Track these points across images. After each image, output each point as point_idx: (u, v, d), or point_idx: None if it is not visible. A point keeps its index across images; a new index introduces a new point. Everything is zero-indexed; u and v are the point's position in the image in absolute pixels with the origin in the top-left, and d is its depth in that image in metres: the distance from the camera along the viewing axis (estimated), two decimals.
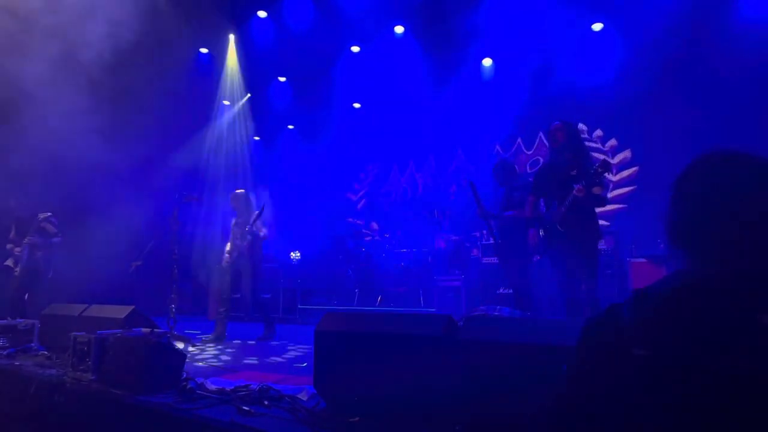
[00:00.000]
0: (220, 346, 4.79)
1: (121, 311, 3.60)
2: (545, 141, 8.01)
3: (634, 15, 6.75)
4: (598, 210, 3.83)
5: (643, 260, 5.02)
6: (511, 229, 4.69)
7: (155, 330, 3.23)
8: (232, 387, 2.56)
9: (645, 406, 0.80)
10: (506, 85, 8.21)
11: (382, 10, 8.20)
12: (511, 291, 5.34)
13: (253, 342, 4.99)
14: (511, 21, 7.69)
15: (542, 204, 4.06)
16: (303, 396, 2.41)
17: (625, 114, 7.07)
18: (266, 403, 2.28)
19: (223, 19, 8.81)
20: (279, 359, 4.06)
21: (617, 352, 0.85)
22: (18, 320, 4.17)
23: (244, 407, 2.18)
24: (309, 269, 8.96)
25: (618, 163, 7.27)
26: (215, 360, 3.89)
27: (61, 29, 6.62)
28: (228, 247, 5.50)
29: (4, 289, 5.29)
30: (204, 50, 9.44)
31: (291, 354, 4.35)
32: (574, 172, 3.67)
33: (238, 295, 8.37)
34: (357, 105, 10.23)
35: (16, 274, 5.28)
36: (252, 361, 3.96)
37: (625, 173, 7.18)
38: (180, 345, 4.41)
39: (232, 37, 9.58)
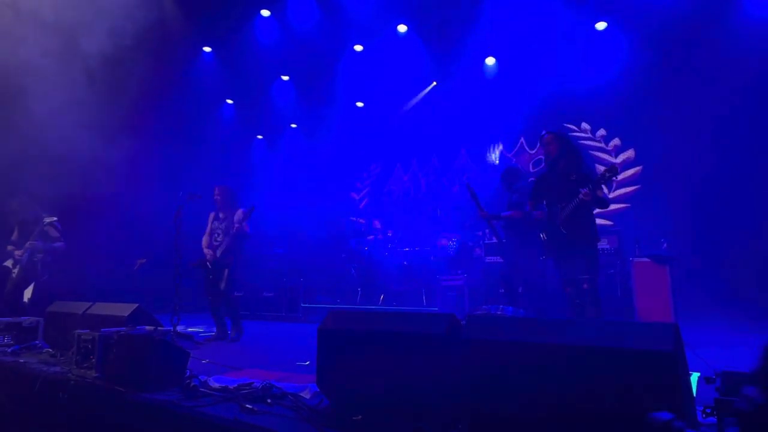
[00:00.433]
0: (222, 344, 4.80)
1: (124, 309, 3.61)
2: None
3: (638, 14, 6.73)
4: (602, 209, 3.93)
5: (646, 260, 5.00)
6: (513, 229, 4.81)
7: (159, 328, 3.25)
8: (236, 385, 2.57)
9: None
10: (509, 84, 8.20)
11: (385, 9, 8.19)
12: (518, 290, 5.42)
13: (204, 342, 4.76)
14: (514, 20, 7.67)
15: (543, 208, 4.08)
16: (306, 394, 2.41)
17: (629, 113, 7.05)
18: (269, 401, 2.29)
19: (226, 17, 8.81)
20: (282, 357, 4.07)
21: None
22: (23, 317, 4.19)
23: (248, 405, 2.19)
24: (312, 268, 8.97)
25: (621, 162, 7.25)
26: (218, 358, 3.90)
27: (65, 28, 6.65)
28: (205, 241, 5.33)
29: (1, 289, 5.30)
30: (207, 49, 9.45)
31: (294, 352, 4.36)
32: (573, 177, 3.78)
33: (241, 294, 8.43)
34: (360, 104, 10.23)
35: (13, 275, 5.29)
36: (255, 358, 3.98)
37: (629, 172, 7.16)
38: (184, 342, 4.43)
39: (235, 36, 9.58)
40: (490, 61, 8.55)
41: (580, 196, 3.59)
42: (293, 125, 11.20)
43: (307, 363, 3.66)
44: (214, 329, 5.13)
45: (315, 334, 2.41)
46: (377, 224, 9.57)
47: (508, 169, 5.26)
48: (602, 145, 7.48)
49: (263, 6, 8.85)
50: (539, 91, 7.67)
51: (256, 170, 10.77)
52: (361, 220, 9.22)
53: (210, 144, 10.04)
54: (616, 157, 7.34)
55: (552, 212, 3.89)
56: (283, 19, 8.81)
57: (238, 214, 5.20)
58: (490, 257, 6.57)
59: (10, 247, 5.38)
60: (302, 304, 7.89)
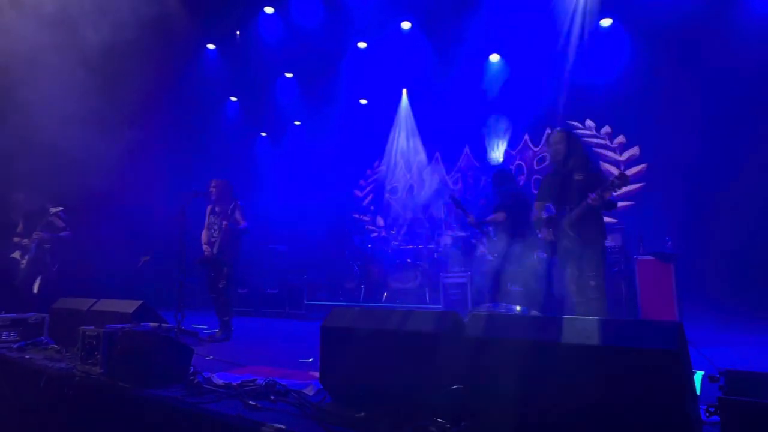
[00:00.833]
0: (226, 341, 4.82)
1: (129, 306, 3.63)
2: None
3: (643, 11, 6.68)
4: (608, 211, 3.91)
5: (650, 258, 4.98)
6: (502, 231, 4.92)
7: (163, 324, 3.26)
8: (239, 381, 2.58)
9: None
10: (514, 81, 8.16)
11: (388, 6, 8.18)
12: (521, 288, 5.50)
13: (206, 341, 4.75)
14: (518, 17, 7.64)
15: (551, 208, 4.06)
16: (309, 391, 2.42)
17: (634, 110, 7.01)
18: (273, 397, 2.29)
19: (230, 15, 8.82)
20: (285, 354, 4.08)
21: None
22: (28, 314, 4.22)
23: (251, 402, 2.20)
24: (315, 265, 8.99)
25: (626, 159, 7.22)
26: (222, 354, 3.92)
27: (68, 23, 6.66)
28: (204, 236, 5.27)
29: (11, 280, 5.35)
30: (211, 46, 9.46)
31: (297, 349, 4.37)
32: (581, 177, 3.75)
33: (245, 291, 8.47)
34: (364, 101, 10.22)
35: (22, 266, 5.34)
36: (258, 355, 3.99)
37: (633, 170, 7.13)
38: (187, 339, 4.45)
39: (239, 33, 9.59)
40: (494, 58, 8.52)
41: (589, 201, 3.56)
42: (297, 122, 11.20)
43: (311, 360, 3.67)
44: (218, 326, 5.14)
45: (318, 331, 2.42)
46: (380, 221, 9.58)
47: (497, 171, 5.31)
48: (607, 142, 7.45)
49: (267, 3, 8.84)
50: (543, 88, 7.63)
51: (259, 167, 10.79)
52: (364, 218, 9.23)
53: (214, 141, 10.07)
54: (620, 154, 7.30)
55: (559, 213, 3.87)
56: (286, 17, 8.81)
57: (235, 209, 5.12)
58: (530, 253, 6.53)
59: (16, 239, 5.42)
60: (305, 301, 7.91)
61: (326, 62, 9.28)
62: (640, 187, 7.05)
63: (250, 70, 9.78)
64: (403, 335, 2.08)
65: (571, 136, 3.95)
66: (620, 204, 7.08)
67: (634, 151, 7.19)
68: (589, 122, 7.58)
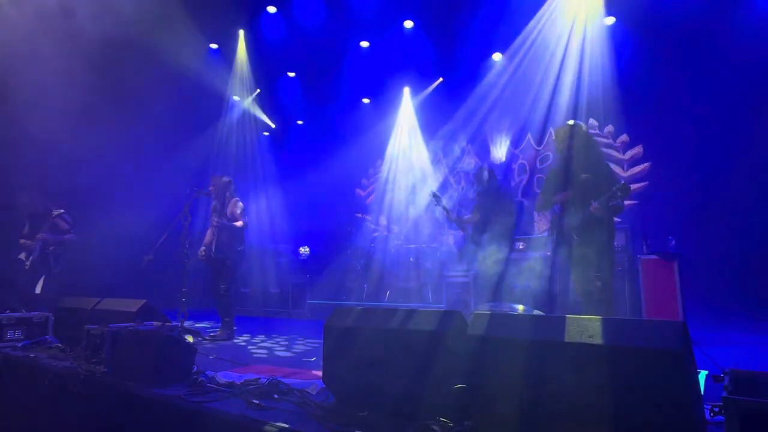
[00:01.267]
0: (229, 341, 4.83)
1: (132, 305, 3.63)
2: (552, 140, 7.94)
3: (646, 9, 6.65)
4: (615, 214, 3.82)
5: (653, 257, 4.96)
6: (479, 230, 5.00)
7: (166, 323, 3.27)
8: (242, 380, 2.58)
9: None
10: (516, 80, 8.15)
11: (391, 5, 8.18)
12: (526, 287, 5.62)
13: (208, 341, 4.75)
14: (521, 15, 7.63)
15: (557, 207, 3.99)
16: (312, 390, 2.42)
17: (637, 109, 6.98)
18: (276, 396, 2.30)
19: (232, 14, 8.83)
20: (288, 353, 4.09)
21: None
22: (33, 313, 4.24)
23: (254, 401, 2.20)
24: (318, 264, 9.00)
25: (629, 159, 7.20)
26: (225, 354, 3.92)
27: (71, 27, 6.68)
28: (208, 236, 5.22)
29: (16, 280, 5.39)
30: (214, 46, 9.47)
31: (300, 348, 4.38)
32: (586, 176, 3.65)
33: (248, 290, 8.49)
34: (366, 100, 10.22)
35: (26, 267, 5.37)
36: (261, 355, 4.00)
37: (637, 169, 7.10)
38: (190, 338, 4.47)
39: (241, 33, 9.60)
40: (496, 56, 8.50)
41: (591, 209, 3.50)
42: (299, 122, 11.21)
43: (313, 359, 3.67)
44: (220, 326, 5.15)
45: (321, 330, 2.42)
46: (383, 220, 9.57)
47: (478, 169, 5.35)
48: (610, 141, 7.43)
49: (270, 2, 8.85)
50: (546, 87, 7.62)
51: (262, 166, 10.80)
52: (367, 217, 9.23)
53: (217, 140, 10.08)
54: (624, 153, 7.28)
55: (566, 213, 3.75)
56: (289, 16, 8.81)
57: (231, 205, 5.06)
58: (501, 252, 6.54)
59: (22, 241, 5.45)
60: (308, 301, 7.92)
61: (329, 61, 9.29)
62: (643, 186, 7.03)
63: (253, 70, 9.80)
64: (405, 334, 2.08)
65: (580, 132, 3.80)
66: (624, 203, 7.06)
67: (638, 150, 7.16)
68: (592, 121, 7.55)
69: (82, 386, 2.80)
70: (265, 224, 9.84)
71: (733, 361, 3.32)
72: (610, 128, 7.47)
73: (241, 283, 8.48)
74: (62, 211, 5.52)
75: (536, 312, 3.69)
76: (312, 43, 8.86)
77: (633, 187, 7.06)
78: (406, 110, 9.91)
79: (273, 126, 11.01)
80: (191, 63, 8.49)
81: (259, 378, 2.60)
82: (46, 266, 5.39)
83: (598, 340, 1.58)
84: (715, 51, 6.28)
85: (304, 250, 9.24)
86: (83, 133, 7.06)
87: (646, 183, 7.01)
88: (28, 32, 6.41)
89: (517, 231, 7.64)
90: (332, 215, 9.92)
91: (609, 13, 7.22)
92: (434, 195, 5.07)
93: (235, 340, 4.87)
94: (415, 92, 9.79)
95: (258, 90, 10.29)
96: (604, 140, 7.46)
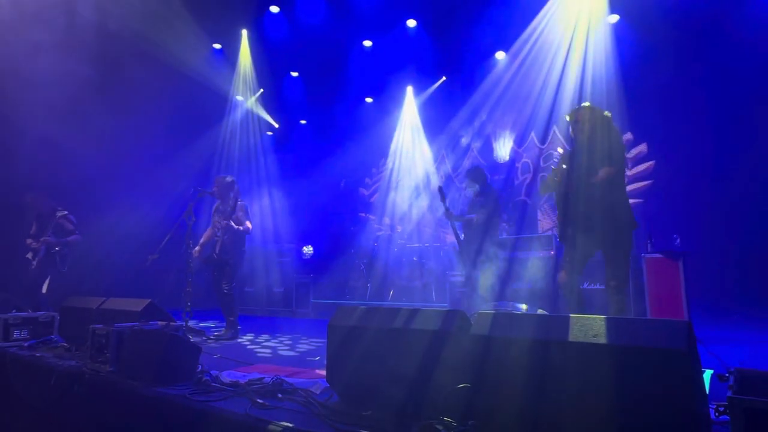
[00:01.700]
0: (233, 340, 4.84)
1: (137, 304, 3.65)
2: (557, 134, 7.92)
3: (650, 6, 6.62)
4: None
5: (658, 255, 4.93)
6: (472, 230, 5.06)
7: (171, 323, 3.28)
8: (247, 380, 2.59)
9: None
10: (519, 79, 8.13)
11: (394, 4, 8.17)
12: (529, 286, 5.76)
13: (212, 340, 4.74)
14: (524, 14, 7.60)
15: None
16: (316, 389, 2.43)
17: (641, 108, 6.95)
18: (280, 396, 2.30)
19: (235, 14, 8.84)
20: (292, 353, 4.10)
21: None
22: (38, 312, 4.27)
23: (259, 400, 2.21)
24: (321, 264, 9.02)
25: (634, 157, 7.17)
26: (229, 353, 3.94)
27: (74, 27, 6.70)
28: (206, 235, 5.22)
29: (22, 280, 5.43)
30: (217, 46, 9.49)
31: (304, 347, 4.39)
32: (591, 171, 3.37)
33: (252, 289, 8.50)
34: (369, 99, 10.22)
35: (33, 267, 5.40)
36: (265, 354, 4.01)
37: (641, 167, 7.08)
38: (194, 338, 4.48)
39: (244, 33, 9.62)
40: (500, 55, 8.48)
41: (602, 172, 3.24)
42: (303, 121, 11.23)
43: (317, 359, 3.68)
44: (224, 325, 5.17)
45: (325, 329, 2.43)
46: (386, 220, 9.58)
47: (475, 168, 5.36)
48: None
49: (273, 2, 8.86)
50: (550, 85, 7.60)
51: (265, 166, 10.82)
52: (371, 216, 9.24)
53: (220, 140, 10.11)
54: (628, 152, 7.25)
55: (579, 196, 3.44)
56: (292, 16, 8.82)
57: (237, 208, 5.06)
58: (500, 253, 6.54)
59: (29, 241, 5.49)
60: (312, 300, 7.94)
61: (332, 61, 9.29)
62: (647, 185, 7.00)
63: (256, 70, 9.81)
64: (409, 334, 2.08)
65: (601, 116, 3.51)
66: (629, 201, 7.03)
67: (642, 148, 7.13)
68: None
69: (88, 385, 2.82)
70: (269, 224, 9.86)
71: (739, 360, 3.31)
72: None
73: (245, 283, 8.51)
74: (66, 212, 5.55)
75: (540, 311, 3.66)
76: (315, 43, 8.86)
77: (637, 185, 7.05)
78: (410, 109, 9.91)
79: (276, 126, 11.03)
80: (194, 63, 8.51)
81: (263, 377, 2.61)
82: (52, 266, 5.43)
83: (602, 339, 1.57)
84: (719, 48, 6.25)
85: (308, 249, 9.26)
86: (86, 132, 7.10)
87: (651, 181, 6.99)
88: (28, 31, 6.43)
89: (520, 230, 7.65)
90: (336, 215, 9.93)
91: (613, 10, 7.20)
92: (440, 189, 5.08)
93: (239, 340, 4.88)
94: (418, 91, 9.78)
95: (261, 90, 10.31)
96: None
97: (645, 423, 1.44)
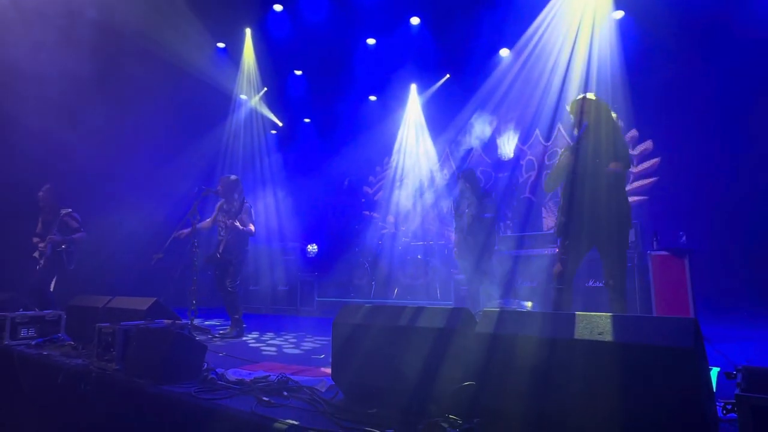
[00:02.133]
0: (238, 338, 4.86)
1: (143, 303, 3.67)
2: (562, 131, 7.89)
3: (655, 3, 6.57)
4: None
5: (664, 253, 4.91)
6: (484, 230, 5.18)
7: (176, 321, 3.30)
8: (252, 378, 2.60)
9: None
10: (524, 76, 8.10)
11: (397, 2, 8.15)
12: (534, 284, 5.87)
13: (218, 338, 4.76)
14: (528, 10, 7.57)
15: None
16: (321, 387, 2.43)
17: (647, 104, 6.91)
18: (285, 393, 2.31)
19: (239, 13, 8.85)
20: (297, 351, 4.11)
21: None
22: (45, 311, 4.30)
23: (264, 398, 2.22)
24: (326, 262, 9.03)
25: (639, 154, 7.13)
26: (234, 351, 3.95)
27: (80, 26, 6.73)
28: (204, 224, 5.22)
29: (30, 278, 5.47)
30: (221, 45, 9.51)
31: (309, 346, 4.40)
32: (597, 160, 3.32)
33: (257, 288, 8.53)
34: (373, 98, 10.21)
35: (40, 266, 5.44)
36: (271, 352, 4.02)
37: (647, 164, 7.04)
38: (200, 336, 4.50)
39: (248, 31, 9.63)
40: (504, 52, 8.45)
41: (611, 167, 3.19)
42: (307, 120, 11.23)
43: (322, 356, 3.69)
44: (230, 323, 5.19)
45: (330, 327, 2.43)
46: (390, 218, 9.58)
47: (470, 172, 5.48)
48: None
49: (276, 1, 8.86)
50: (554, 82, 7.56)
51: (269, 165, 10.84)
52: (375, 214, 9.24)
53: (224, 139, 10.13)
54: (633, 149, 7.21)
55: (579, 189, 3.36)
56: (295, 14, 8.82)
57: (243, 210, 5.09)
58: (505, 251, 6.53)
59: (35, 239, 5.52)
60: (317, 298, 7.95)
61: (335, 59, 9.29)
62: (653, 182, 6.96)
63: (260, 68, 9.83)
64: (414, 331, 2.08)
65: (605, 108, 3.45)
66: (633, 198, 7.00)
67: (647, 145, 7.09)
68: None
69: (95, 383, 2.83)
70: (274, 222, 9.89)
71: (746, 357, 3.29)
72: (619, 123, 7.40)
73: (249, 281, 8.54)
74: (70, 210, 5.58)
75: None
76: (318, 41, 8.86)
77: (643, 182, 7.01)
78: (413, 107, 9.90)
79: (280, 124, 11.04)
80: (198, 62, 8.53)
81: (269, 375, 2.61)
82: (59, 264, 5.46)
83: (608, 337, 1.57)
84: (725, 44, 6.20)
85: (312, 247, 9.27)
86: (90, 132, 7.13)
87: (656, 178, 6.95)
88: (30, 30, 6.46)
89: (525, 227, 7.63)
90: (340, 213, 9.93)
91: (618, 6, 7.15)
92: (459, 177, 5.30)
93: (245, 338, 4.90)
94: (421, 89, 9.76)
95: (265, 88, 10.32)
96: None
97: (652, 421, 1.44)
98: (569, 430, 1.58)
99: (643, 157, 7.10)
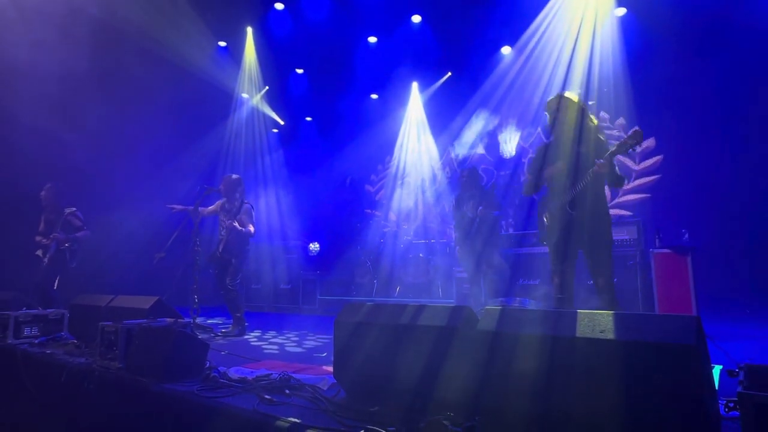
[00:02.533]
0: (240, 337, 4.87)
1: (145, 302, 3.68)
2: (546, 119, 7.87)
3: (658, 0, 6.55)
4: (622, 200, 3.64)
5: (666, 251, 4.90)
6: (487, 228, 5.26)
7: (179, 320, 3.30)
8: (254, 376, 2.61)
9: None
10: (526, 73, 8.08)
11: (398, 0, 8.13)
12: (536, 282, 5.90)
13: (220, 337, 4.78)
14: (530, 8, 7.55)
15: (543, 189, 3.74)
16: (323, 385, 2.44)
17: (649, 102, 6.89)
18: (287, 392, 2.32)
19: (240, 11, 8.85)
20: (299, 349, 4.12)
21: None
22: (48, 310, 4.31)
23: (266, 396, 2.22)
24: (328, 260, 9.04)
25: (641, 151, 7.11)
26: (237, 350, 3.96)
27: (80, 24, 6.73)
28: (204, 211, 5.20)
29: (33, 277, 5.49)
30: (222, 43, 9.51)
31: (311, 344, 4.41)
32: (584, 149, 3.32)
33: (259, 286, 8.55)
34: (374, 96, 10.20)
35: (44, 264, 5.46)
36: (273, 350, 4.03)
37: (649, 162, 7.02)
38: (202, 335, 4.51)
39: (249, 30, 9.63)
40: (505, 50, 8.43)
41: (595, 167, 3.12)
42: (308, 118, 11.23)
43: (324, 355, 3.69)
44: (232, 322, 5.20)
45: (332, 325, 2.43)
46: (392, 216, 9.58)
47: (473, 169, 5.58)
48: (621, 134, 7.34)
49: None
50: (556, 79, 7.54)
51: (271, 163, 10.85)
52: (377, 213, 9.24)
53: (226, 138, 10.14)
54: (640, 145, 7.20)
55: (559, 191, 3.40)
56: (296, 13, 8.81)
57: (242, 211, 5.10)
58: (506, 249, 6.53)
59: (38, 238, 5.54)
60: (319, 296, 7.97)
61: (337, 57, 9.28)
62: (655, 179, 6.95)
63: (262, 67, 9.83)
64: (416, 330, 2.09)
65: (571, 103, 3.46)
66: (636, 196, 6.99)
67: (650, 142, 7.07)
68: (603, 114, 7.48)
69: (98, 382, 2.84)
70: (275, 221, 9.90)
71: (749, 355, 3.28)
72: (621, 120, 7.38)
73: (252, 280, 8.55)
74: (74, 209, 5.59)
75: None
76: (320, 40, 8.85)
77: (645, 180, 6.99)
78: (415, 105, 9.89)
79: (282, 123, 11.04)
80: (200, 61, 8.54)
81: (271, 373, 2.62)
82: (62, 263, 5.48)
83: (610, 335, 1.56)
84: (728, 41, 6.17)
85: (314, 246, 9.28)
86: (91, 131, 7.14)
87: (659, 176, 6.93)
88: (30, 30, 6.46)
89: (527, 226, 7.62)
90: (342, 211, 9.94)
91: (620, 3, 7.13)
92: (462, 175, 5.46)
93: (247, 336, 4.91)
94: (423, 87, 9.75)
95: (266, 87, 10.32)
96: (615, 133, 7.37)
97: (654, 419, 1.44)
98: (571, 427, 1.58)
99: (646, 154, 7.08)
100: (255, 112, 10.64)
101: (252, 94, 10.33)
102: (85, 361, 3.12)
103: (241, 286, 5.28)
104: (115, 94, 7.47)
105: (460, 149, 9.26)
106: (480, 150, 9.04)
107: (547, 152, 3.57)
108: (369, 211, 10.19)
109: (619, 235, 5.47)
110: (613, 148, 3.17)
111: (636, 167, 7.07)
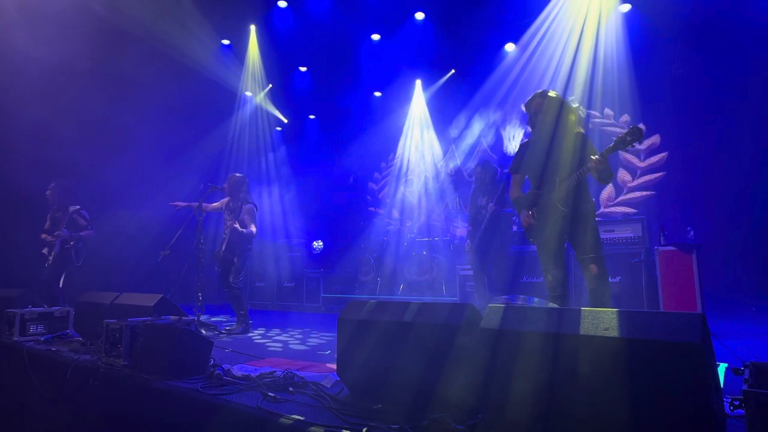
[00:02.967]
0: (244, 334, 4.88)
1: (150, 299, 3.70)
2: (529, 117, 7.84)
3: None
4: (626, 197, 3.60)
5: (671, 248, 4.88)
6: (502, 223, 5.31)
7: (183, 318, 3.32)
8: (258, 374, 2.61)
9: None
10: (530, 70, 8.04)
11: None
12: (540, 279, 5.78)
13: (224, 334, 4.81)
14: (534, 4, 7.51)
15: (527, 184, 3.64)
16: (327, 383, 2.44)
17: (654, 98, 6.84)
18: (291, 389, 2.32)
19: (244, 9, 8.85)
20: (303, 347, 4.13)
21: None
22: (54, 308, 4.34)
23: (270, 393, 2.23)
24: (331, 258, 9.05)
25: (646, 148, 7.07)
26: (241, 347, 3.97)
27: (82, 23, 6.74)
28: (211, 206, 5.25)
29: (39, 275, 5.53)
30: (226, 41, 9.51)
31: (315, 341, 4.42)
32: (569, 145, 3.26)
33: (263, 284, 8.57)
34: (378, 93, 10.19)
35: (48, 263, 5.50)
36: (276, 348, 4.04)
37: (654, 159, 6.98)
38: (206, 332, 4.53)
39: (253, 28, 9.63)
40: (509, 47, 8.40)
41: (590, 164, 3.06)
42: (312, 116, 11.23)
43: (328, 352, 3.70)
44: (236, 320, 5.22)
45: (335, 323, 2.44)
46: (396, 214, 9.57)
47: (487, 162, 5.61)
48: (625, 131, 7.30)
49: None
50: (560, 76, 7.51)
51: (275, 161, 10.86)
52: (380, 210, 9.24)
53: (229, 136, 10.16)
54: (640, 143, 7.16)
55: (543, 189, 3.34)
56: (300, 10, 8.80)
57: (244, 211, 5.11)
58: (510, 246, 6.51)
59: (44, 236, 5.58)
60: (322, 294, 7.98)
61: (340, 55, 9.27)
62: (660, 177, 6.91)
63: (265, 65, 9.83)
64: (419, 327, 2.08)
65: (560, 100, 3.41)
66: (640, 194, 6.95)
67: (655, 139, 7.03)
68: (607, 110, 7.44)
69: (103, 379, 2.86)
70: (279, 219, 9.91)
71: (754, 353, 3.26)
72: (625, 117, 7.34)
73: (255, 278, 8.57)
74: (79, 207, 5.62)
75: (551, 304, 3.59)
76: (323, 37, 8.84)
77: (650, 177, 6.95)
78: (418, 103, 9.86)
79: (285, 121, 11.05)
80: (203, 59, 8.54)
81: (275, 371, 2.63)
82: (68, 261, 5.51)
83: (614, 332, 1.56)
84: (733, 38, 6.12)
85: (318, 244, 9.29)
86: (95, 129, 7.17)
87: (664, 173, 6.89)
88: (31, 29, 6.49)
89: None
90: (345, 209, 9.95)
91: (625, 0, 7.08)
92: (476, 168, 5.50)
93: (251, 334, 4.92)
94: (426, 85, 9.72)
95: (270, 85, 10.33)
96: (620, 130, 7.34)
97: (658, 417, 1.43)
98: (575, 425, 1.58)
99: (651, 151, 7.04)
100: (258, 110, 10.64)
101: (255, 92, 10.34)
102: (90, 359, 3.15)
103: (244, 284, 5.29)
104: (118, 92, 7.49)
105: (459, 157, 9.25)
106: (483, 146, 9.02)
107: (527, 149, 3.51)
108: (372, 208, 10.19)
109: (624, 232, 5.45)
110: (611, 145, 3.13)
111: (641, 164, 7.04)
